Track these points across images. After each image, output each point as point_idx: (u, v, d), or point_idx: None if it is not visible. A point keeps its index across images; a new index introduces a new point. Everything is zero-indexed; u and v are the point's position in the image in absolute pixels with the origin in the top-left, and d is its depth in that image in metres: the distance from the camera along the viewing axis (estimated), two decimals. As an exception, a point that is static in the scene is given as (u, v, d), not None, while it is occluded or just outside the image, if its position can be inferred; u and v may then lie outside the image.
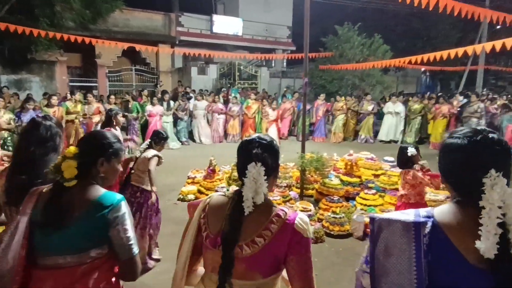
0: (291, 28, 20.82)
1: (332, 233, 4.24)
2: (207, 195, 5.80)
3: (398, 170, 5.82)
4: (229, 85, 16.40)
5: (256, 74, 18.48)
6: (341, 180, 5.42)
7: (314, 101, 11.90)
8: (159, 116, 9.29)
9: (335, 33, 14.82)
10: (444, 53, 7.35)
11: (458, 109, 9.95)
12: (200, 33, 18.60)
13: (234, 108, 10.65)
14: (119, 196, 1.47)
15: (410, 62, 11.10)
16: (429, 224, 1.01)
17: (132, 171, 3.57)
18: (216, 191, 5.01)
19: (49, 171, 1.46)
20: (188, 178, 6.16)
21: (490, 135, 1.00)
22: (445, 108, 9.91)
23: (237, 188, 1.37)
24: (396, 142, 10.63)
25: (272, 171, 1.33)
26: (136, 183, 3.55)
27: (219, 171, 6.02)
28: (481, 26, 15.55)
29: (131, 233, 1.45)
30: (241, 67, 18.43)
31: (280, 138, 10.86)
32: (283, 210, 1.30)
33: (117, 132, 4.33)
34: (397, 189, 4.46)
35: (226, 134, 10.92)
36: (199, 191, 5.47)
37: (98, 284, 1.41)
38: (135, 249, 1.45)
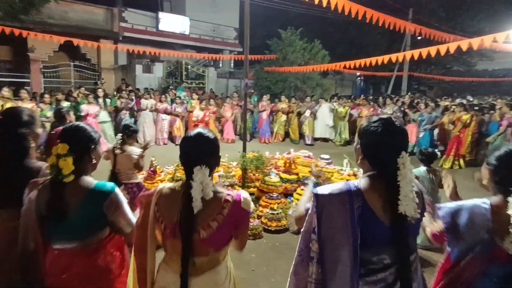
0: (238, 29, 20.89)
1: (270, 228, 4.36)
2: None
3: (333, 167, 6.21)
4: (176, 84, 15.99)
5: (203, 74, 18.24)
6: (281, 178, 5.58)
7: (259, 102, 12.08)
8: (95, 115, 8.43)
9: (279, 37, 15.18)
10: (373, 60, 7.93)
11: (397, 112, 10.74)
12: (145, 30, 17.84)
13: (179, 108, 10.31)
14: (110, 184, 1.62)
15: (345, 67, 11.78)
16: (359, 192, 1.30)
17: (117, 171, 3.56)
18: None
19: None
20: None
21: (398, 124, 1.35)
22: (366, 111, 10.71)
23: (183, 180, 1.48)
24: (327, 140, 11.27)
25: (215, 166, 1.50)
26: (128, 181, 3.58)
27: (161, 172, 5.85)
28: (405, 36, 17.00)
29: (129, 212, 1.67)
30: (189, 66, 18.07)
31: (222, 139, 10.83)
32: (229, 195, 1.48)
33: None
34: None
35: (171, 136, 10.50)
36: (140, 192, 5.26)
37: (105, 257, 1.62)
38: (134, 221, 1.64)
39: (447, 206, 1.60)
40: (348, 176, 5.49)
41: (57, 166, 1.50)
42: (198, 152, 1.44)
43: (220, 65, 21.76)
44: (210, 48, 19.82)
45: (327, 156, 6.65)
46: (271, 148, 8.87)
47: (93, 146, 1.64)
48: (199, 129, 1.50)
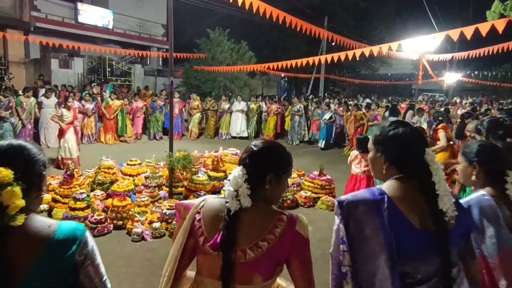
0: (166, 26, 19.91)
1: (197, 227, 4.19)
2: (64, 203, 4.83)
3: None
4: (99, 81, 14.57)
5: (129, 71, 17.00)
6: (209, 176, 5.44)
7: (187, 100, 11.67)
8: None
9: (208, 36, 14.86)
10: (294, 62, 8.24)
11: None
12: (62, 22, 15.91)
13: (89, 105, 9.17)
14: (78, 225, 1.07)
15: (269, 68, 12.09)
16: (386, 199, 1.15)
17: None
18: (74, 197, 4.31)
19: None
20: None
21: (414, 126, 1.34)
22: (274, 107, 11.26)
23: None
24: (242, 137, 11.30)
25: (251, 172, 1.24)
26: None
27: (80, 175, 5.22)
28: (321, 42, 18.11)
29: (102, 268, 1.09)
30: (113, 62, 16.64)
31: (137, 138, 10.18)
32: (284, 214, 1.22)
33: None
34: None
35: (82, 135, 9.31)
36: (54, 200, 4.57)
37: None
38: (109, 284, 1.11)
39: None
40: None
41: None
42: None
43: (148, 62, 20.51)
44: (136, 45, 18.56)
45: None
46: (198, 145, 8.64)
47: (44, 173, 1.12)
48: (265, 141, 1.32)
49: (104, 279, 1.09)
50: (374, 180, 4.04)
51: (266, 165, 1.23)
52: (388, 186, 1.22)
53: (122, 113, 9.77)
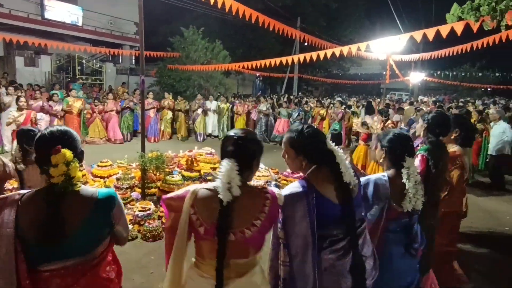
0: (138, 24, 19.30)
1: (171, 228, 4.07)
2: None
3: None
4: (68, 80, 13.90)
5: (101, 69, 16.34)
6: (183, 176, 5.30)
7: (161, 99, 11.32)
8: None
9: (182, 35, 14.54)
10: (267, 62, 8.21)
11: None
12: (27, 18, 14.98)
13: (57, 107, 8.56)
14: (111, 190, 1.42)
15: (244, 67, 12.01)
16: (312, 188, 1.47)
17: (30, 187, 2.52)
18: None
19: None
20: None
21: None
22: (241, 108, 11.21)
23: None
24: (216, 136, 11.17)
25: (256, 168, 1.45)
26: None
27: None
28: (295, 41, 18.27)
29: (126, 219, 1.49)
30: (83, 61, 15.93)
31: (109, 140, 9.68)
32: (267, 192, 1.41)
33: None
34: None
35: None
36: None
37: (105, 268, 1.39)
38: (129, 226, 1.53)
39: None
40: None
41: (68, 174, 1.25)
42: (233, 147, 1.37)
43: (120, 60, 19.81)
44: (108, 42, 17.82)
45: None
46: (177, 146, 8.44)
47: (83, 150, 1.43)
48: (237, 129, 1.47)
49: (128, 228, 1.52)
50: None
51: (253, 151, 1.40)
52: (311, 176, 1.52)
53: (82, 113, 9.07)
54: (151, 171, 5.14)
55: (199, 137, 10.80)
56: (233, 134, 1.40)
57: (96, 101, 10.09)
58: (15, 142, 6.03)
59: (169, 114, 10.58)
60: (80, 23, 16.83)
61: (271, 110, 11.18)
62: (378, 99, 18.67)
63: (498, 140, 6.29)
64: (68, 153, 1.26)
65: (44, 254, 1.24)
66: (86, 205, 1.29)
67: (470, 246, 3.88)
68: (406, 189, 1.78)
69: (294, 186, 1.51)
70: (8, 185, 3.36)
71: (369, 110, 9.76)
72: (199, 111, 10.77)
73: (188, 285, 1.42)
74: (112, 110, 9.74)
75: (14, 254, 1.19)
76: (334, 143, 1.57)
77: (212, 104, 11.17)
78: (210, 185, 1.40)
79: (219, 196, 1.30)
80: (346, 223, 1.49)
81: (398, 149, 1.84)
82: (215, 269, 1.29)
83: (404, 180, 1.79)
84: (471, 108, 10.53)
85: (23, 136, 2.66)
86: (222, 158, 1.39)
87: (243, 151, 1.36)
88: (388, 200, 1.79)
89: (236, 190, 1.30)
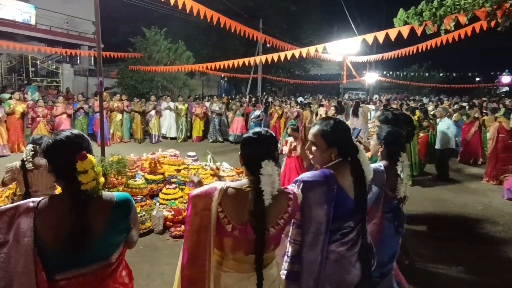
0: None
1: (134, 234, 3.87)
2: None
3: (198, 164, 6.06)
4: (21, 82, 12.80)
5: (57, 71, 15.25)
6: (146, 179, 5.08)
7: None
8: None
9: (143, 35, 13.96)
10: (230, 63, 8.13)
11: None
12: (-29, 16, 13.58)
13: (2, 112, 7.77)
14: (126, 194, 1.35)
15: (208, 68, 11.81)
16: (335, 180, 1.51)
17: (34, 193, 2.65)
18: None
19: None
20: None
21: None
22: (199, 110, 10.77)
23: (248, 180, 1.39)
24: (173, 138, 10.79)
25: (276, 161, 1.41)
26: None
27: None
28: (257, 43, 18.34)
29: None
30: (37, 62, 14.77)
31: None
32: (289, 192, 1.43)
33: None
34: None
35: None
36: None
37: (121, 272, 1.34)
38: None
39: None
40: (212, 170, 5.42)
41: (96, 181, 1.21)
42: (264, 148, 1.38)
43: (78, 61, 18.63)
44: (64, 42, 16.68)
45: (193, 154, 6.46)
46: (140, 149, 8.06)
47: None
48: (259, 129, 1.46)
49: (139, 231, 1.48)
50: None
51: (275, 147, 1.44)
52: (334, 168, 1.55)
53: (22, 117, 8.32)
54: (112, 176, 4.87)
55: (153, 138, 10.35)
56: (254, 135, 1.42)
57: (50, 103, 9.34)
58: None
59: (118, 116, 9.89)
60: (33, 22, 15.57)
61: (223, 110, 11.12)
62: (339, 99, 19.34)
63: (443, 135, 6.76)
64: (92, 158, 1.23)
65: (64, 262, 1.18)
66: (107, 210, 1.25)
67: (420, 228, 4.42)
68: (400, 178, 2.03)
69: (317, 173, 1.56)
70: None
71: (341, 110, 9.86)
72: (153, 112, 10.34)
73: (214, 282, 1.40)
74: (63, 114, 8.97)
75: (34, 265, 1.12)
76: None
77: (170, 104, 10.81)
78: (237, 184, 1.41)
79: (250, 196, 1.34)
80: (359, 216, 1.57)
81: (394, 144, 2.09)
82: (255, 266, 1.33)
83: (399, 172, 2.03)
84: (413, 104, 11.02)
85: (39, 142, 2.77)
86: (248, 160, 1.40)
87: (273, 148, 1.42)
88: (383, 186, 2.00)
89: (275, 192, 1.35)
